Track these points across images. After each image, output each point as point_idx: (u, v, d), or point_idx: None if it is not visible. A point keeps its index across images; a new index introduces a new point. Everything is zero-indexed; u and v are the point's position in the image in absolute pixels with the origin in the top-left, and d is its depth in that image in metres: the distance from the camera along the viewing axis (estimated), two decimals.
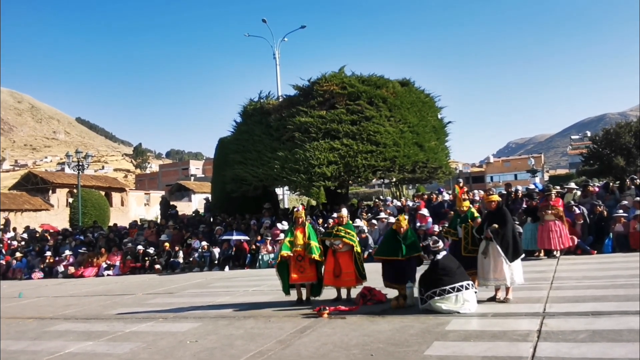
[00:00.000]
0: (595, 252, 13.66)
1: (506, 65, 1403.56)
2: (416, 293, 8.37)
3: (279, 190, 28.62)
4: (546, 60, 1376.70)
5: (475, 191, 19.41)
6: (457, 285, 7.74)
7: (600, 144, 46.49)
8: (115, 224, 26.15)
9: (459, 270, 7.99)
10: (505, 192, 17.71)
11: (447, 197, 18.78)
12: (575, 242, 13.80)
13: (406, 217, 10.25)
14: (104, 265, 19.57)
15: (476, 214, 8.91)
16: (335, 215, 13.38)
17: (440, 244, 8.23)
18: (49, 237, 24.16)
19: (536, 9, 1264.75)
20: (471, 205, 9.36)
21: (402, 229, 8.95)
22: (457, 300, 7.71)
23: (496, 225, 8.21)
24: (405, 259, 8.70)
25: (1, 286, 17.57)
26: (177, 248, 18.99)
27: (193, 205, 48.81)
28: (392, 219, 17.28)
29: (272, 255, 16.89)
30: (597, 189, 17.10)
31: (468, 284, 7.82)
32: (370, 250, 16.32)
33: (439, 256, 8.09)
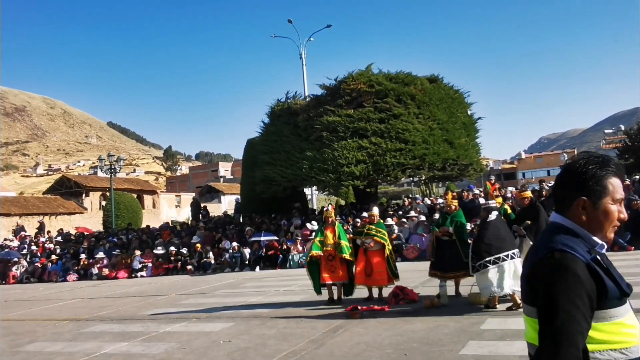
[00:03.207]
0: (633, 248, 13.34)
1: (537, 59, 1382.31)
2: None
3: (307, 191, 28.63)
4: (577, 53, 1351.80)
5: (508, 188, 19.10)
6: (510, 252, 7.55)
7: (636, 137, 45.25)
8: (147, 226, 26.52)
9: (508, 237, 7.83)
10: (538, 189, 17.40)
11: (476, 191, 18.55)
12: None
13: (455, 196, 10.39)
14: (137, 265, 19.82)
15: (509, 211, 8.78)
16: (365, 214, 13.31)
17: (493, 203, 8.13)
18: (84, 240, 24.59)
19: (567, 3, 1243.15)
20: (503, 202, 9.23)
21: (448, 208, 8.99)
22: (507, 267, 7.48)
23: (529, 222, 8.08)
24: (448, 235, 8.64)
25: (38, 289, 17.96)
26: (208, 249, 19.16)
27: (223, 206, 49.16)
28: (423, 217, 17.17)
29: (302, 255, 16.91)
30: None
31: (514, 253, 7.63)
32: (404, 248, 16.26)
33: (492, 216, 7.89)
